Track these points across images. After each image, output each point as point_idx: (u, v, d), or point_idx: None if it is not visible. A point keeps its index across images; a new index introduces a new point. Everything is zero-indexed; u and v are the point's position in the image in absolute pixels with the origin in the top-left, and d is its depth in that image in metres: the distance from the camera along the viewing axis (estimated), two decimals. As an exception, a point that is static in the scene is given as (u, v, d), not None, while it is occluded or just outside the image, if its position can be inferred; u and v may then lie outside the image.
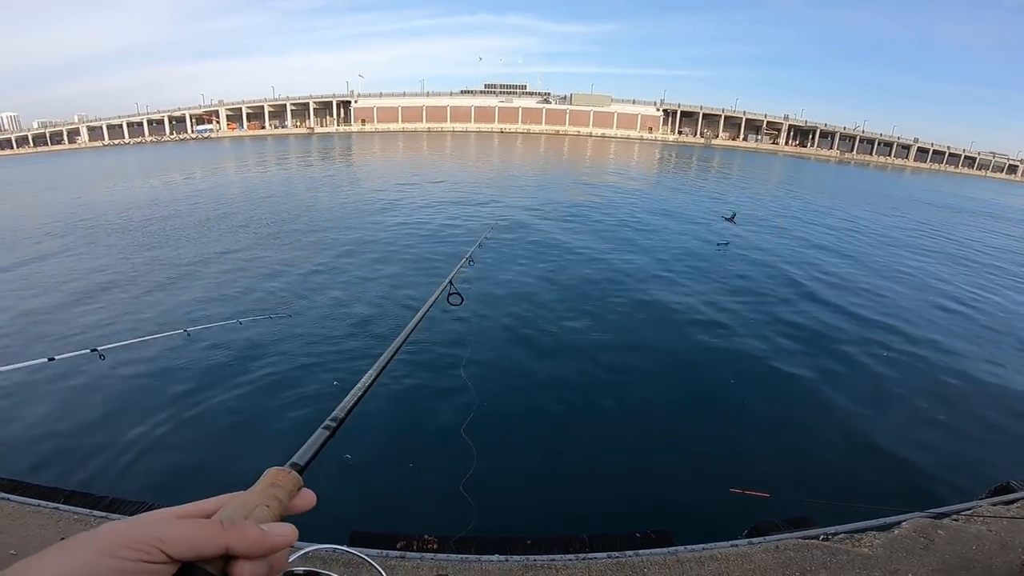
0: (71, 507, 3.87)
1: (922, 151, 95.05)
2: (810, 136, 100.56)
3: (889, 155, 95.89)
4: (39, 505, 3.85)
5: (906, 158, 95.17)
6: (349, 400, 1.05)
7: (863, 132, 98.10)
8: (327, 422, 0.93)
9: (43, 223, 20.08)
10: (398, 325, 9.72)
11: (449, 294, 2.79)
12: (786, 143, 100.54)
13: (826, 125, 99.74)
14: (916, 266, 17.10)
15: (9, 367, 3.52)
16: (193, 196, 26.78)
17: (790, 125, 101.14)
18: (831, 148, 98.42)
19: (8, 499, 3.87)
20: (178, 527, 0.49)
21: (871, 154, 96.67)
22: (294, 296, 11.31)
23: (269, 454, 5.91)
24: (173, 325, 8.60)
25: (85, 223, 19.77)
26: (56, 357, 3.89)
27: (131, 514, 3.33)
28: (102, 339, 8.37)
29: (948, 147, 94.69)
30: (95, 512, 3.82)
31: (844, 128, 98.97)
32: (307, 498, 0.64)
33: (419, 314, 2.00)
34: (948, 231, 25.23)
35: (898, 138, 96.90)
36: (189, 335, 5.79)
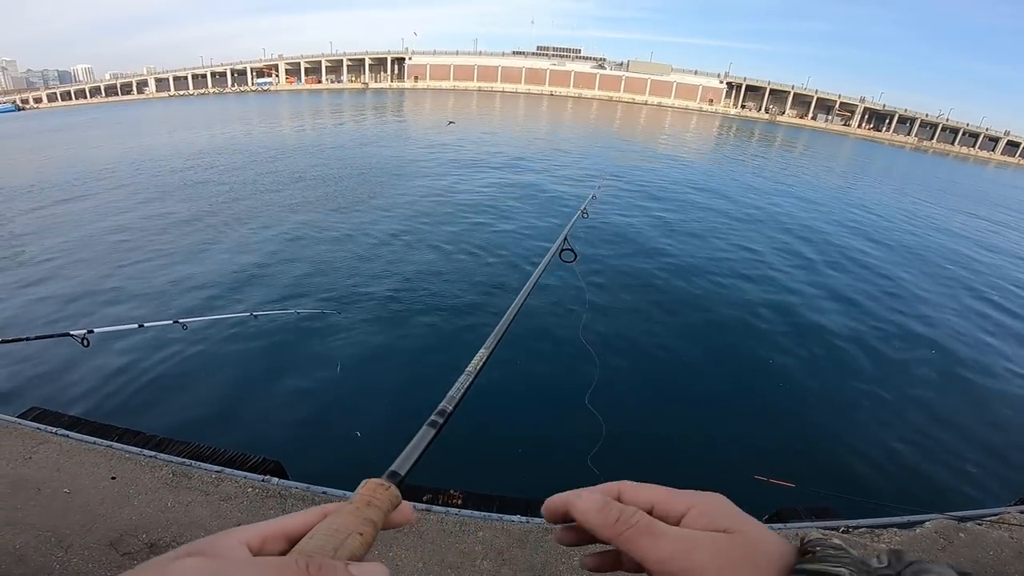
0: (123, 445, 4.15)
1: (1012, 144, 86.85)
2: (887, 121, 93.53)
3: (973, 146, 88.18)
4: (94, 443, 4.10)
5: (992, 151, 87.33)
6: (457, 389, 0.89)
7: (947, 121, 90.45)
8: (432, 417, 0.80)
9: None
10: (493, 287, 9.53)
11: (562, 251, 2.63)
12: (859, 126, 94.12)
13: (906, 110, 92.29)
14: (969, 263, 16.09)
15: (104, 329, 3.88)
16: (272, 150, 27.55)
17: (866, 108, 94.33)
18: (909, 134, 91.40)
19: (68, 436, 4.16)
20: (253, 571, 0.43)
21: (953, 144, 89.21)
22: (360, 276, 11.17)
23: (311, 428, 6.24)
24: (243, 306, 9.06)
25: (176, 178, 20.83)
26: (145, 324, 4.33)
27: (177, 454, 3.66)
28: (185, 312, 8.98)
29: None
30: (144, 451, 4.08)
31: (926, 115, 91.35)
32: (405, 513, 0.57)
33: (531, 281, 1.75)
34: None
35: (987, 129, 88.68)
36: (256, 318, 6.25)
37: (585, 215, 3.92)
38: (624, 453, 5.77)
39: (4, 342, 3.60)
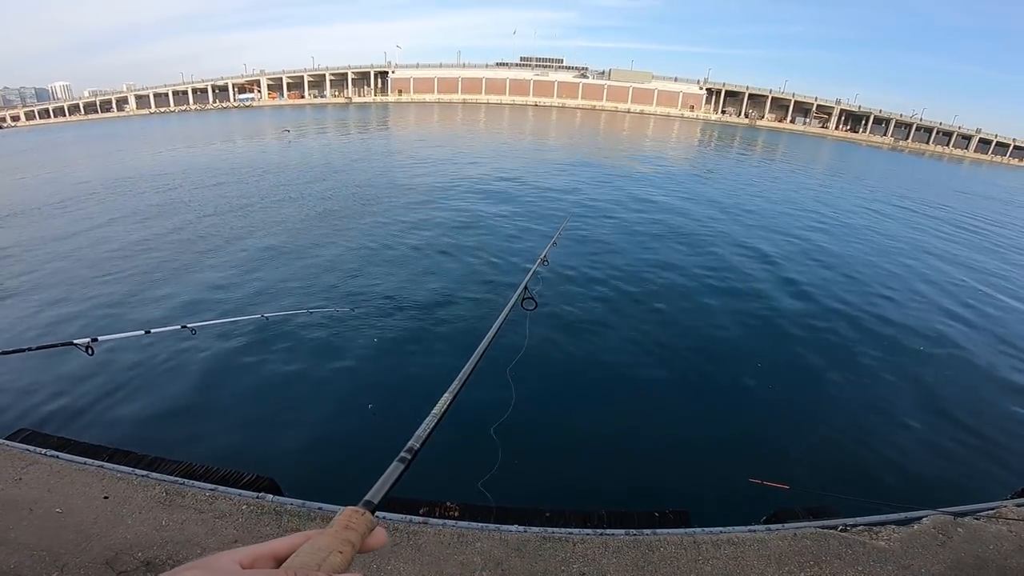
0: (114, 465, 4.09)
1: (984, 142, 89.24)
2: (863, 122, 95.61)
3: (947, 145, 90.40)
4: (84, 463, 4.04)
5: (966, 149, 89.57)
6: (424, 429, 1.02)
7: (920, 120, 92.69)
8: (402, 454, 0.91)
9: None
10: (462, 324, 9.16)
11: (523, 299, 2.82)
12: (836, 127, 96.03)
13: (880, 111, 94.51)
14: (945, 257, 16.44)
15: (109, 337, 3.84)
16: (262, 167, 27.09)
17: (842, 109, 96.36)
18: (885, 135, 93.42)
19: (58, 456, 4.09)
20: None
21: (928, 143, 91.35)
22: (356, 286, 11.07)
23: (316, 444, 6.20)
24: (252, 309, 9.00)
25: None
26: (152, 331, 4.24)
27: (169, 473, 3.62)
28: (193, 317, 8.95)
29: (1014, 139, 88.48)
30: (136, 470, 4.02)
31: (900, 115, 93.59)
32: (379, 537, 0.65)
33: (493, 329, 1.94)
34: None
35: (959, 128, 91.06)
36: (267, 319, 6.13)
37: (545, 262, 3.99)
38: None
39: (4, 353, 3.50)
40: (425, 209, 17.84)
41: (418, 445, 0.97)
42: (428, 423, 1.06)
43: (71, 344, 3.43)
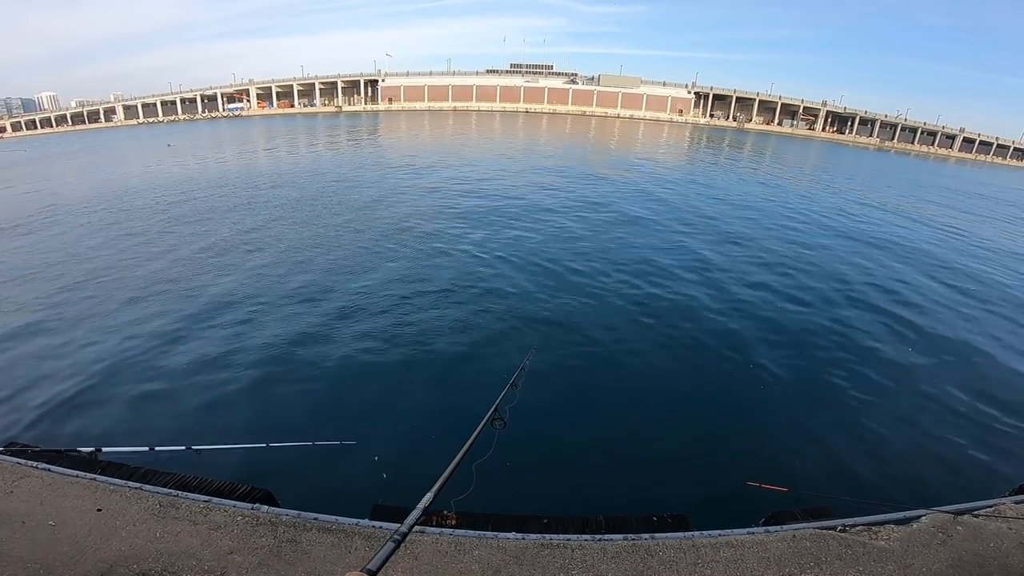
0: (107, 478, 4.04)
1: (967, 141, 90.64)
2: (849, 123, 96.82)
3: (932, 144, 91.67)
4: (77, 475, 4.00)
5: (950, 148, 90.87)
6: (412, 518, 1.34)
7: (905, 120, 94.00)
8: (395, 536, 1.19)
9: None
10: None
11: (493, 419, 3.16)
12: (823, 129, 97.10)
13: (866, 112, 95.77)
14: (944, 259, 16.56)
15: (112, 449, 4.03)
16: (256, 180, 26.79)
17: (828, 111, 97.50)
18: (871, 136, 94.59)
19: (49, 469, 4.05)
20: None
21: (913, 143, 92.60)
22: (347, 308, 10.48)
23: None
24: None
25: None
26: (156, 448, 4.36)
27: (163, 485, 3.59)
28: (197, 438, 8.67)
29: (996, 137, 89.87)
30: (129, 483, 3.97)
31: (885, 116, 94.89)
32: None
33: (464, 447, 2.37)
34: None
35: (942, 127, 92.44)
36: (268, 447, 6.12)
37: (515, 386, 4.05)
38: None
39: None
40: (423, 236, 16.52)
41: (406, 530, 1.24)
42: (415, 515, 1.37)
43: (76, 452, 3.53)
